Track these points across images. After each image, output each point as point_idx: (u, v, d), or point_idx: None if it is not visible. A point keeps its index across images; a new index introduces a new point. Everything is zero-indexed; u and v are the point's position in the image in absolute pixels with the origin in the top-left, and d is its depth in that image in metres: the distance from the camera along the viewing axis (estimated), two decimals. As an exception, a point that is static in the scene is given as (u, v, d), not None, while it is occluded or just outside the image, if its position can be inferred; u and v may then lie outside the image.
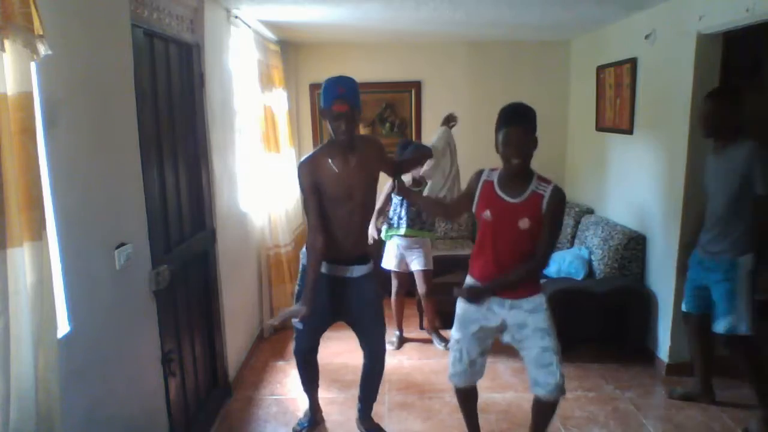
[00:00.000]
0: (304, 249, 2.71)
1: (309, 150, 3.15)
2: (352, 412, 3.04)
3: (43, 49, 1.39)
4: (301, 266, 2.72)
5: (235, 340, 3.46)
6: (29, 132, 1.39)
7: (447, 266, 4.18)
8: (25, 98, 1.37)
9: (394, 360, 3.73)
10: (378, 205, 3.58)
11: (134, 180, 2.17)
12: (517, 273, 2.31)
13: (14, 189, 1.33)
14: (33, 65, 1.43)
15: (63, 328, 1.67)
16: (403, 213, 3.77)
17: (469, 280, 2.48)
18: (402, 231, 3.77)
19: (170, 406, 2.46)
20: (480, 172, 2.43)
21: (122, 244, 2.02)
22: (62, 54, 1.62)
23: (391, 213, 3.85)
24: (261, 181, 3.94)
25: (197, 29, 2.94)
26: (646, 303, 3.65)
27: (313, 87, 5.11)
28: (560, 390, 2.32)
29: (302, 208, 4.69)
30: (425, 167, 3.10)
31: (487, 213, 2.33)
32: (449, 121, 3.05)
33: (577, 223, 4.52)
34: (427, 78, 5.18)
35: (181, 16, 2.76)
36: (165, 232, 2.50)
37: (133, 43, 2.14)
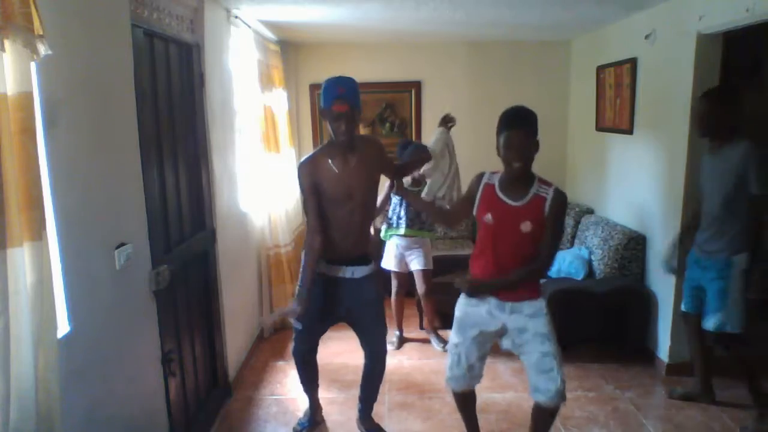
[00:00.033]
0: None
1: (309, 150, 3.16)
2: (352, 412, 3.04)
3: (43, 49, 1.39)
4: (302, 266, 2.72)
5: (235, 340, 3.46)
6: (29, 132, 1.39)
7: (447, 266, 4.18)
8: (25, 98, 1.37)
9: (394, 360, 3.73)
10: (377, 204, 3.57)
11: (134, 180, 2.17)
12: (519, 273, 2.30)
13: (14, 189, 1.33)
14: (33, 65, 1.43)
15: (63, 328, 1.67)
16: (403, 213, 3.76)
17: (469, 280, 2.48)
18: (401, 231, 3.77)
19: (170, 406, 2.46)
20: (481, 176, 2.42)
21: (122, 244, 2.02)
22: (62, 54, 1.62)
23: (390, 213, 3.84)
24: (261, 181, 3.94)
25: (197, 29, 2.95)
26: (646, 303, 3.65)
27: (313, 87, 5.11)
28: (561, 396, 2.29)
29: (302, 208, 4.69)
30: (425, 167, 3.11)
31: (489, 216, 2.32)
32: (446, 122, 3.03)
33: (577, 223, 4.52)
34: (427, 78, 5.18)
35: (181, 16, 2.76)
36: (165, 232, 2.50)
37: (133, 43, 2.14)
